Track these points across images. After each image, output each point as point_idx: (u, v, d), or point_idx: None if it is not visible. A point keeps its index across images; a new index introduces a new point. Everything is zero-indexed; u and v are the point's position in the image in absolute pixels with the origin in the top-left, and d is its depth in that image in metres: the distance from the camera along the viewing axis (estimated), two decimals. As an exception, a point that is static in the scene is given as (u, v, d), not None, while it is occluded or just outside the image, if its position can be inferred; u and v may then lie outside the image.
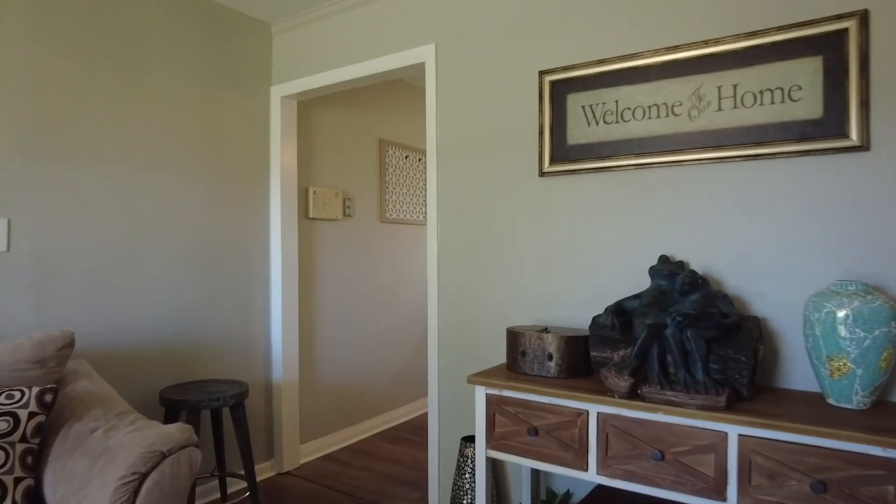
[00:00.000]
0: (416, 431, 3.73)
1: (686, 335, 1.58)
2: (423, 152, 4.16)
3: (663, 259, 1.85)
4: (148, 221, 2.50)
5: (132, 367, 2.44)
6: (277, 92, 3.02)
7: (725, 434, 1.42)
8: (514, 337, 1.89)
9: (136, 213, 2.46)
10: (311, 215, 3.23)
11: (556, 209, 2.09)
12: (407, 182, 3.99)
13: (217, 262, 2.78)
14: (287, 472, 3.06)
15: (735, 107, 1.77)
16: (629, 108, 1.96)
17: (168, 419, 2.35)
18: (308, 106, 3.27)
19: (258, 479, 2.97)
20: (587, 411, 1.63)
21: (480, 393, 1.82)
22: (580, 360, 1.81)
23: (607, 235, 1.99)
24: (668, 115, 1.89)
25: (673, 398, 1.50)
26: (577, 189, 2.05)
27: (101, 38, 2.34)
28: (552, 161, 2.10)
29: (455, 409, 2.36)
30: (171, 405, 2.29)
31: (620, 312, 1.80)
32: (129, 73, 2.43)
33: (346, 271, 3.51)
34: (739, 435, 1.40)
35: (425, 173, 4.18)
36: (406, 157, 3.98)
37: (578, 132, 2.05)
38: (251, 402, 2.95)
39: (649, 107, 1.92)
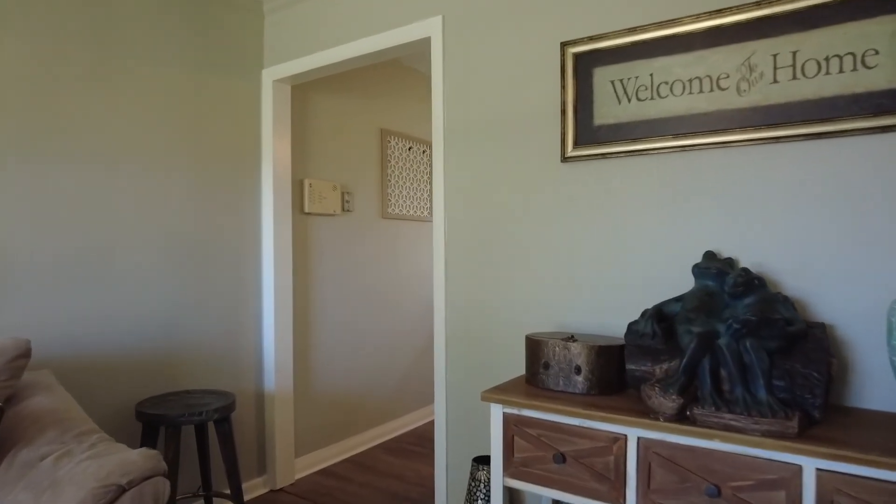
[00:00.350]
0: (420, 442, 3.48)
1: (745, 346, 1.33)
2: (428, 144, 3.91)
3: (709, 256, 1.60)
4: (124, 216, 2.25)
5: (105, 377, 2.19)
6: (269, 75, 2.77)
7: (799, 468, 1.17)
8: (534, 346, 1.64)
9: (110, 208, 2.21)
10: (306, 210, 2.98)
11: (582, 199, 1.84)
12: (410, 175, 3.74)
13: (203, 261, 2.53)
14: (281, 489, 2.82)
15: (794, 77, 1.51)
16: (666, 83, 1.70)
17: (146, 436, 2.11)
18: (303, 92, 3.02)
19: (249, 496, 2.72)
20: (625, 436, 1.37)
21: (497, 412, 1.57)
22: (613, 373, 1.56)
23: (642, 229, 1.73)
24: (712, 90, 1.63)
25: (732, 422, 1.24)
26: (606, 175, 1.79)
27: (70, 13, 2.09)
28: (576, 144, 1.84)
29: (465, 426, 2.11)
30: (149, 420, 2.05)
31: (661, 318, 1.54)
32: (102, 52, 2.19)
33: (345, 270, 3.27)
34: (818, 469, 1.15)
35: (430, 165, 3.93)
36: (409, 149, 3.73)
37: (607, 111, 1.79)
38: (241, 413, 2.70)
39: (690, 80, 1.66)
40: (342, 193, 3.23)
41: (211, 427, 2.55)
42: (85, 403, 2.13)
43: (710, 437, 1.25)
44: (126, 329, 2.26)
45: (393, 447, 3.40)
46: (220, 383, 2.60)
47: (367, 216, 3.42)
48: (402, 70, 3.69)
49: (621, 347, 1.58)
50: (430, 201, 3.92)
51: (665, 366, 1.45)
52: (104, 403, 2.19)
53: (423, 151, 3.86)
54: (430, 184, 3.92)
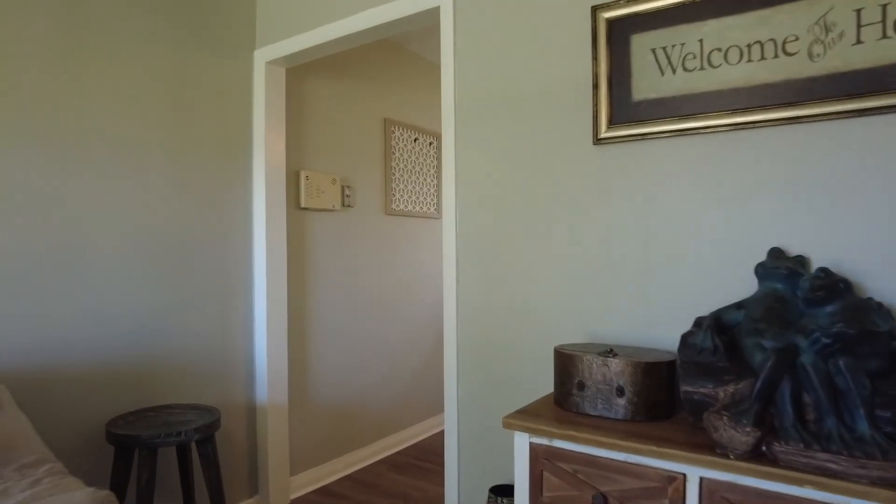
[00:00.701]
0: (426, 457, 3.22)
1: (837, 366, 1.06)
2: (436, 135, 3.65)
3: (776, 253, 1.33)
4: (95, 212, 2.00)
5: (73, 393, 1.94)
6: (262, 56, 2.52)
7: (923, 527, 0.90)
8: (566, 362, 1.37)
9: (80, 202, 1.96)
10: (302, 205, 2.73)
11: (618, 187, 1.57)
12: (417, 169, 3.48)
13: (186, 262, 2.28)
14: (274, 511, 2.57)
15: (884, 36, 1.25)
16: (719, 50, 1.44)
17: (119, 460, 1.86)
18: (300, 76, 2.76)
19: (239, 520, 2.47)
20: (683, 475, 1.11)
21: (522, 442, 1.30)
22: (663, 396, 1.29)
23: (692, 222, 1.46)
24: (776, 56, 1.37)
25: (828, 464, 0.98)
26: (647, 159, 1.53)
27: (30, -24, 1.85)
28: (612, 123, 1.58)
29: (480, 449, 1.85)
30: (121, 442, 1.80)
31: (720, 329, 1.28)
32: (71, 26, 1.94)
33: (346, 271, 3.01)
34: (950, 530, 0.88)
35: (438, 158, 3.67)
36: (415, 140, 3.48)
37: (648, 84, 1.53)
38: (230, 428, 2.45)
39: (749, 45, 1.40)
40: (342, 187, 2.97)
41: (194, 447, 2.30)
42: (47, 424, 1.88)
43: (801, 484, 0.98)
44: (98, 338, 2.01)
45: (398, 462, 3.15)
46: (207, 396, 2.35)
47: (370, 212, 3.16)
48: (407, 56, 3.44)
49: (671, 364, 1.31)
50: (438, 197, 3.66)
51: (730, 388, 1.18)
52: (71, 423, 1.93)
53: (430, 143, 3.60)
54: (438, 178, 3.66)
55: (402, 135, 3.37)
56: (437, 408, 3.69)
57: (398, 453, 3.28)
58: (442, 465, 3.08)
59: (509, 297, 1.77)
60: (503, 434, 1.79)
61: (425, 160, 3.56)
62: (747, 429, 1.05)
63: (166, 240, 2.21)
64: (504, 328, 1.79)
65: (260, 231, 2.52)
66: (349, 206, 3.01)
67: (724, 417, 1.08)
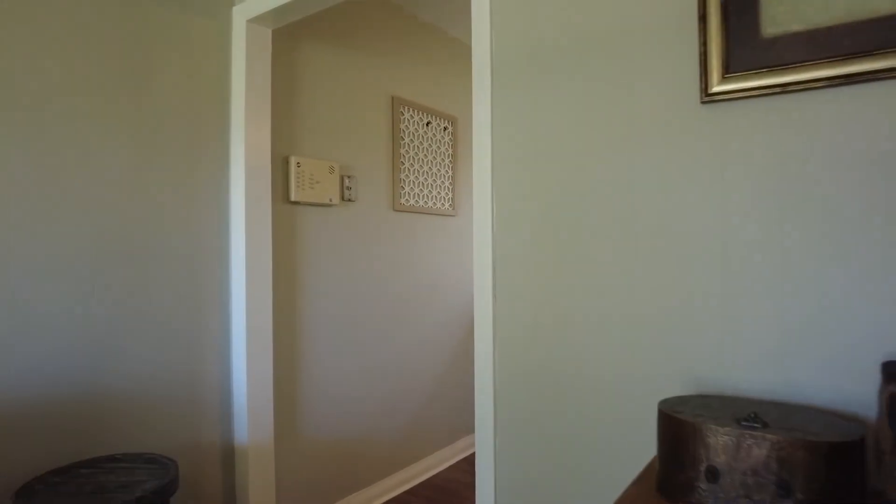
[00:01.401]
0: (441, 496, 2.73)
1: None
2: (451, 119, 3.16)
3: None
4: (23, 203, 1.52)
5: (-19, 442, 1.46)
6: (242, 13, 2.04)
7: None
8: (681, 432, 0.88)
9: (-8, 187, 1.48)
10: (293, 198, 2.24)
11: (742, 166, 1.08)
12: (429, 158, 2.99)
13: (142, 268, 1.80)
14: (257, 575, 2.08)
15: None
16: (908, -48, 0.94)
17: (34, 535, 1.38)
18: (291, 39, 2.28)
19: (212, 590, 1.99)
20: None
21: (627, 572, 0.81)
22: (855, 496, 0.80)
23: (869, 219, 0.96)
24: None
25: None
26: (792, 124, 1.03)
27: None
28: (729, 72, 1.08)
29: (524, 524, 1.35)
30: (37, 514, 1.32)
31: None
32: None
33: (345, 279, 2.52)
34: None
35: (453, 146, 3.17)
36: (427, 125, 2.99)
37: (787, 9, 1.03)
38: (199, 478, 1.96)
39: (959, -57, 0.90)
40: (342, 177, 2.48)
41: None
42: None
43: None
44: (21, 368, 1.52)
45: (407, 503, 2.66)
46: (169, 439, 1.87)
47: (375, 207, 2.67)
48: (419, 27, 2.95)
49: (861, 444, 0.82)
50: (454, 191, 3.17)
51: None
52: (-25, 484, 1.45)
53: (445, 128, 3.11)
54: (454, 169, 3.17)
55: (412, 117, 2.88)
56: (451, 437, 3.20)
57: (408, 492, 2.79)
58: (460, 508, 2.59)
59: (569, 320, 1.28)
60: (559, 508, 1.30)
61: (439, 147, 3.07)
62: None
63: (115, 239, 1.73)
64: (564, 363, 1.29)
65: (238, 230, 2.04)
66: (350, 199, 2.52)
67: None
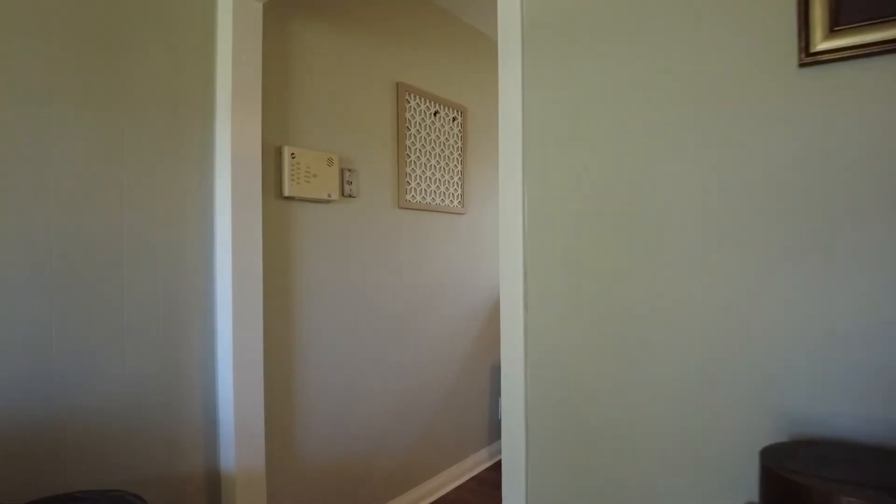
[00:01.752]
0: (451, 521, 2.49)
1: None
2: (461, 109, 2.92)
3: None
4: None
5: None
6: (228, -16, 1.80)
7: None
8: (801, 498, 0.64)
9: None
10: (286, 193, 2.01)
11: (856, 148, 0.84)
12: (437, 151, 2.75)
13: (112, 274, 1.56)
14: None
15: None
16: None
17: None
18: (285, 16, 2.04)
19: None
20: None
21: None
22: None
23: None
24: None
25: None
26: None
27: None
28: (837, 25, 0.85)
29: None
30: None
31: None
32: None
33: (346, 284, 2.28)
34: None
35: (462, 138, 2.93)
36: (435, 114, 2.75)
37: (924, -60, 0.80)
38: (181, 508, 1.73)
39: None
40: (341, 171, 2.25)
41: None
42: None
43: None
44: (-42, 392, 1.29)
45: (413, 530, 2.42)
46: (143, 469, 1.63)
47: (378, 204, 2.44)
48: (428, 9, 2.71)
49: None
50: (462, 187, 2.93)
51: None
52: None
53: (454, 119, 2.87)
54: (463, 163, 2.93)
55: (418, 106, 2.64)
56: (463, 451, 2.96)
57: (414, 516, 2.55)
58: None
59: (623, 346, 1.04)
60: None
61: (447, 140, 2.83)
62: None
63: (80, 239, 1.49)
64: (615, 392, 1.05)
65: (224, 229, 1.80)
66: (351, 195, 2.28)
67: None
